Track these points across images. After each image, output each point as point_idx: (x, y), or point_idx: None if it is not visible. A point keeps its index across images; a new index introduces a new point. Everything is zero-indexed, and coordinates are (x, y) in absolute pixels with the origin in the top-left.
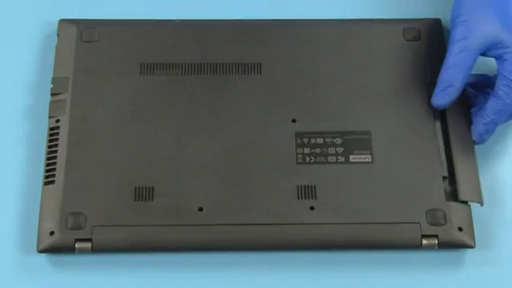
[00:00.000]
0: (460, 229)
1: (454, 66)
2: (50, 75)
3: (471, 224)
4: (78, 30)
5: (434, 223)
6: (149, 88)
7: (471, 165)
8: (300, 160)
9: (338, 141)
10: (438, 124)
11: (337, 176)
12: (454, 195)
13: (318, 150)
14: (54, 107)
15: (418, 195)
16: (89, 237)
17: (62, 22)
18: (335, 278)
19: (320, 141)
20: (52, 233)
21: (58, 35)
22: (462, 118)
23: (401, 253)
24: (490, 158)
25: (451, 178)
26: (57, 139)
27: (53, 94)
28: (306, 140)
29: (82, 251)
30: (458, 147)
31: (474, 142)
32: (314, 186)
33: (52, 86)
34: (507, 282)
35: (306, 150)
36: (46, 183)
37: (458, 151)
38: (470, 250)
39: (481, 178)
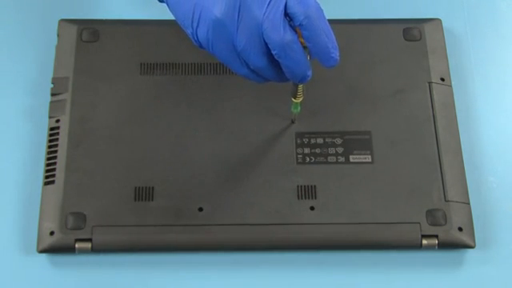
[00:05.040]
0: (460, 229)
1: None
2: (50, 75)
3: (471, 224)
4: (77, 30)
5: (434, 223)
6: (149, 88)
7: (458, 166)
8: (300, 160)
9: (338, 141)
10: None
11: (337, 176)
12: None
13: (317, 150)
14: (54, 107)
15: (418, 195)
16: (89, 237)
17: (62, 21)
18: (335, 278)
19: (320, 141)
20: (52, 233)
21: (58, 35)
22: (450, 120)
23: (401, 253)
24: (490, 159)
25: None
26: (57, 139)
27: (53, 94)
28: (305, 140)
29: (82, 251)
30: (446, 148)
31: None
32: (314, 186)
33: (52, 85)
34: (507, 282)
35: (306, 150)
36: (46, 183)
37: (446, 152)
38: (470, 250)
39: (481, 179)
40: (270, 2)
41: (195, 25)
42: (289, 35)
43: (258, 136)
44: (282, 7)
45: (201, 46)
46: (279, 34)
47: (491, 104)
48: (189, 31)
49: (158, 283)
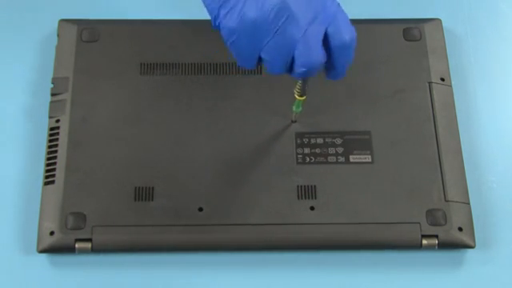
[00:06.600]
0: (460, 229)
1: None
2: (50, 75)
3: (471, 224)
4: (78, 30)
5: (434, 223)
6: (149, 88)
7: (458, 166)
8: (300, 160)
9: (338, 141)
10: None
11: (337, 176)
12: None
13: (317, 150)
14: (54, 107)
15: (418, 195)
16: (89, 237)
17: (62, 21)
18: (335, 278)
19: (320, 141)
20: (52, 233)
21: (58, 35)
22: (450, 120)
23: (401, 253)
24: (490, 159)
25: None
26: (57, 139)
27: (53, 94)
28: (306, 140)
29: (82, 251)
30: (446, 148)
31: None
32: (314, 186)
33: (52, 85)
34: (507, 282)
35: (306, 150)
36: (46, 183)
37: (446, 152)
38: (470, 250)
39: (481, 179)
40: (313, 21)
41: (224, 12)
42: (321, 59)
43: (258, 136)
44: (323, 31)
45: (217, 29)
46: (311, 58)
47: (491, 104)
48: (213, 14)
49: (157, 283)
